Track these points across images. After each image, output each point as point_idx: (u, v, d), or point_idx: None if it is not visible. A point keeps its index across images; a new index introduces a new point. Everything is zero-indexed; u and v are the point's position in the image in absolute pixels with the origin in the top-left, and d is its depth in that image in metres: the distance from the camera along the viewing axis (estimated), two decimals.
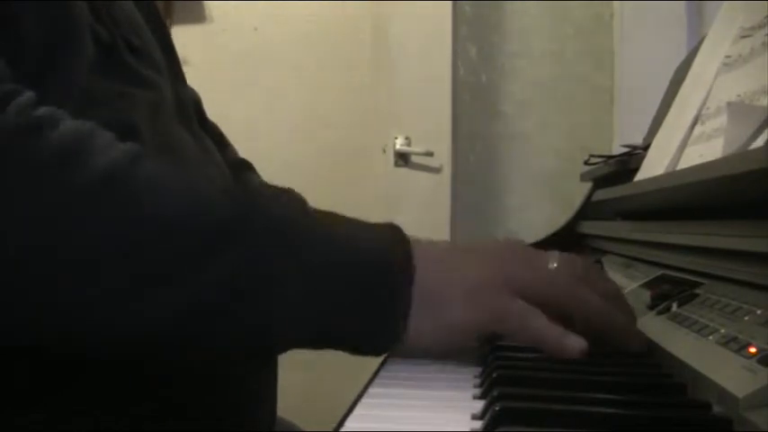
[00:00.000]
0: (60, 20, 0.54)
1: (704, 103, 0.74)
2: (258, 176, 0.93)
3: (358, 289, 0.48)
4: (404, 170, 2.01)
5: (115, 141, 0.47)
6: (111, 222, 0.44)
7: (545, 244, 1.23)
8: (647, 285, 0.70)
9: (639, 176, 0.86)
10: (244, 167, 0.91)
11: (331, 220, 0.51)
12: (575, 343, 0.51)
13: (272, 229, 0.47)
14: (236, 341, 0.49)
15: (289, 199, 0.51)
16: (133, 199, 0.45)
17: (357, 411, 0.43)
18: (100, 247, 0.44)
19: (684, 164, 0.74)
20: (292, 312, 0.47)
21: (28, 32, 0.52)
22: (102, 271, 0.44)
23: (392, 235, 0.51)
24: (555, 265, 0.55)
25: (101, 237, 0.44)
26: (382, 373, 0.53)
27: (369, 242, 0.50)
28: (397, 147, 2.00)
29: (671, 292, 0.62)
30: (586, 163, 1.17)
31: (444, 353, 0.54)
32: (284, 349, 0.52)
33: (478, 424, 0.40)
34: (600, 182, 1.16)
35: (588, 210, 1.20)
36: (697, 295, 0.58)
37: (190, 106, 0.74)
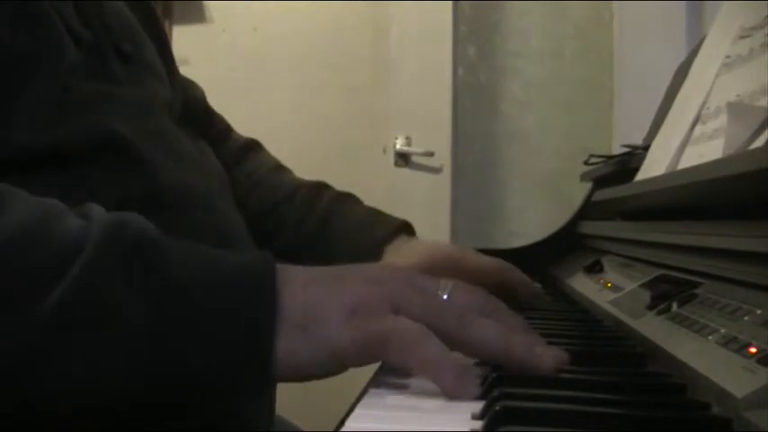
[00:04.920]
0: (36, 21, 0.54)
1: (704, 103, 0.74)
2: (268, 154, 0.94)
3: (209, 313, 0.43)
4: (404, 170, 2.01)
5: None
6: None
7: (545, 244, 1.23)
8: (647, 285, 0.70)
9: (640, 176, 0.86)
10: (251, 149, 0.92)
11: (188, 251, 0.46)
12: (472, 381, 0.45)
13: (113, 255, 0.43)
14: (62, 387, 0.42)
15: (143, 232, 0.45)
16: None
17: (357, 411, 0.43)
18: None
19: (685, 164, 0.74)
20: (134, 350, 0.41)
21: (2, 34, 0.51)
22: None
23: (252, 260, 0.46)
24: (446, 295, 0.49)
25: None
26: (383, 373, 0.53)
27: (223, 268, 0.45)
28: (398, 147, 2.00)
29: (671, 292, 0.62)
30: (586, 163, 1.17)
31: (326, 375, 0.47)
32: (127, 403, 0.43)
33: (479, 424, 0.40)
34: (600, 182, 1.16)
35: (588, 210, 1.20)
36: (697, 295, 0.58)
37: (178, 107, 0.74)
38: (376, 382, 0.50)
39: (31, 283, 0.41)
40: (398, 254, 0.80)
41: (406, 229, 0.84)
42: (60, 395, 0.42)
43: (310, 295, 0.46)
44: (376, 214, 0.86)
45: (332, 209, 0.85)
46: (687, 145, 0.75)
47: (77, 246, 0.42)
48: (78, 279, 0.41)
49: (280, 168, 0.93)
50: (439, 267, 0.74)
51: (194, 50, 2.09)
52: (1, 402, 0.41)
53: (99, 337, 0.41)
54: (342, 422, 0.41)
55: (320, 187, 0.89)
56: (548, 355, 0.48)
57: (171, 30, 2.18)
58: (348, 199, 0.88)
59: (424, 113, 1.99)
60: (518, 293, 0.77)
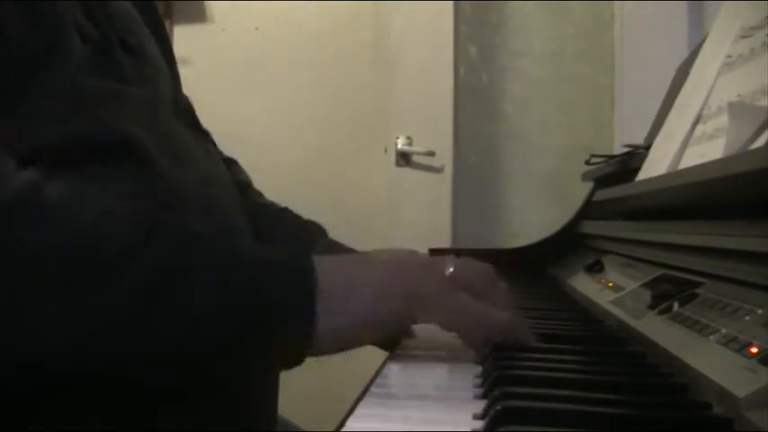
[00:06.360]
0: (45, 19, 0.54)
1: (705, 102, 0.74)
2: (243, 172, 0.93)
3: (263, 293, 0.50)
4: (405, 170, 2.00)
5: (14, 173, 0.47)
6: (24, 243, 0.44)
7: (546, 244, 1.23)
8: (648, 285, 0.70)
9: (641, 176, 0.86)
10: (228, 166, 0.91)
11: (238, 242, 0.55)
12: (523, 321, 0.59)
13: (180, 246, 0.49)
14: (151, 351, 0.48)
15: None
16: (40, 221, 0.45)
17: (358, 411, 0.43)
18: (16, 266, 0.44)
19: (686, 164, 0.74)
20: (197, 322, 0.48)
21: (12, 33, 0.51)
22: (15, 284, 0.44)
23: (291, 251, 0.55)
24: (451, 269, 0.58)
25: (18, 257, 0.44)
26: (383, 373, 0.53)
27: (269, 257, 0.52)
28: (399, 147, 2.00)
29: (672, 292, 0.62)
30: (587, 163, 1.17)
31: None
32: (192, 359, 0.50)
33: (479, 424, 0.40)
34: (601, 182, 1.16)
35: (589, 210, 1.20)
36: (698, 295, 0.58)
37: (184, 106, 0.74)
38: (377, 383, 0.50)
39: (114, 259, 0.46)
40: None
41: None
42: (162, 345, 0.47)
43: (343, 275, 0.53)
44: (333, 245, 0.86)
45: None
46: (688, 145, 0.75)
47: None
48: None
49: (250, 188, 0.92)
50: None
51: (195, 50, 2.09)
52: (96, 364, 0.46)
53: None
54: (343, 422, 0.41)
55: (285, 212, 0.88)
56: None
57: (172, 29, 2.18)
58: (310, 225, 0.87)
59: (426, 113, 1.99)
60: None
